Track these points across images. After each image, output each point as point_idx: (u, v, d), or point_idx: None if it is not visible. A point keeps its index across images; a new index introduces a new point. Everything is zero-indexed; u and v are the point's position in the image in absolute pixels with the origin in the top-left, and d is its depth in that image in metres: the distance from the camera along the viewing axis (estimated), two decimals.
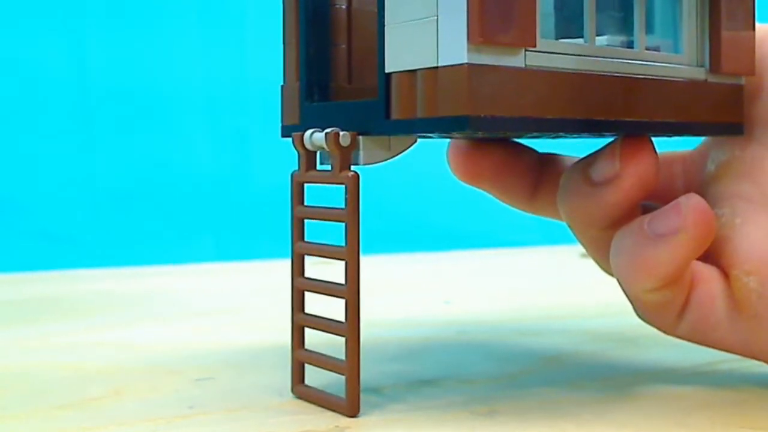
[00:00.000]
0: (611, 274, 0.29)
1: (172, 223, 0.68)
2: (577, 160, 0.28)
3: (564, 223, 0.29)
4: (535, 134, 0.25)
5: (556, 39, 0.24)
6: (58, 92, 0.67)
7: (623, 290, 0.27)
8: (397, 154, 0.26)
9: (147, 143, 0.68)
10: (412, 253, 0.68)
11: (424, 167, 0.52)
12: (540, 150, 0.31)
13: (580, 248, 0.30)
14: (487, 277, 0.58)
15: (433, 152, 0.33)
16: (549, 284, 0.54)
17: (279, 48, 0.28)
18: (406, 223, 0.70)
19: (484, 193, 0.31)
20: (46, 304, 0.47)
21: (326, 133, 0.25)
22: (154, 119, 0.69)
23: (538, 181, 0.31)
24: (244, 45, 0.70)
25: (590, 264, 0.30)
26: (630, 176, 0.26)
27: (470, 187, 0.31)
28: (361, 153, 0.25)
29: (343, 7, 0.28)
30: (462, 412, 0.26)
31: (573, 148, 0.31)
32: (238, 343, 0.36)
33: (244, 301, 0.47)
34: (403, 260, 0.65)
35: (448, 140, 0.30)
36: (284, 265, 0.26)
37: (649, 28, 0.26)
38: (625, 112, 0.25)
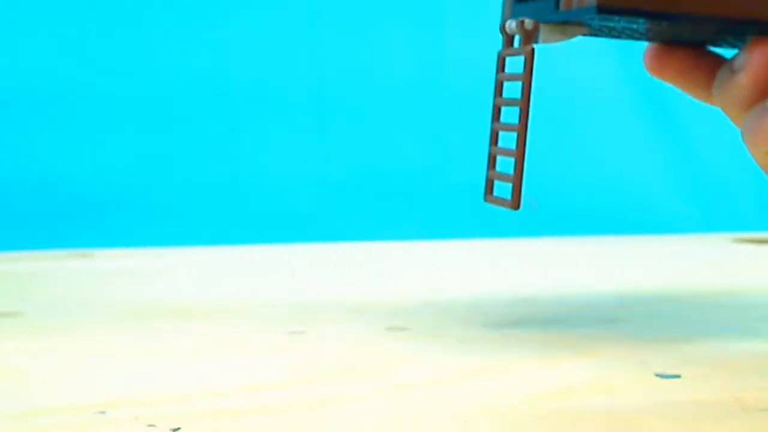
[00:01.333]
0: None
1: (385, 206, 0.79)
2: None
3: None
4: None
5: None
6: (294, 97, 0.80)
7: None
8: (570, 37, 0.34)
9: (368, 140, 0.81)
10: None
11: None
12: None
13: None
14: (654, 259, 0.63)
15: None
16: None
17: (477, 50, 0.37)
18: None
19: None
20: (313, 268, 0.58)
21: (517, 22, 0.34)
22: (374, 119, 0.81)
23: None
24: (444, 51, 0.82)
25: None
26: (756, 63, 0.32)
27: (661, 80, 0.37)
28: (541, 35, 0.34)
29: None
30: None
31: None
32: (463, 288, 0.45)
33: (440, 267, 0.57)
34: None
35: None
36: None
37: None
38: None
